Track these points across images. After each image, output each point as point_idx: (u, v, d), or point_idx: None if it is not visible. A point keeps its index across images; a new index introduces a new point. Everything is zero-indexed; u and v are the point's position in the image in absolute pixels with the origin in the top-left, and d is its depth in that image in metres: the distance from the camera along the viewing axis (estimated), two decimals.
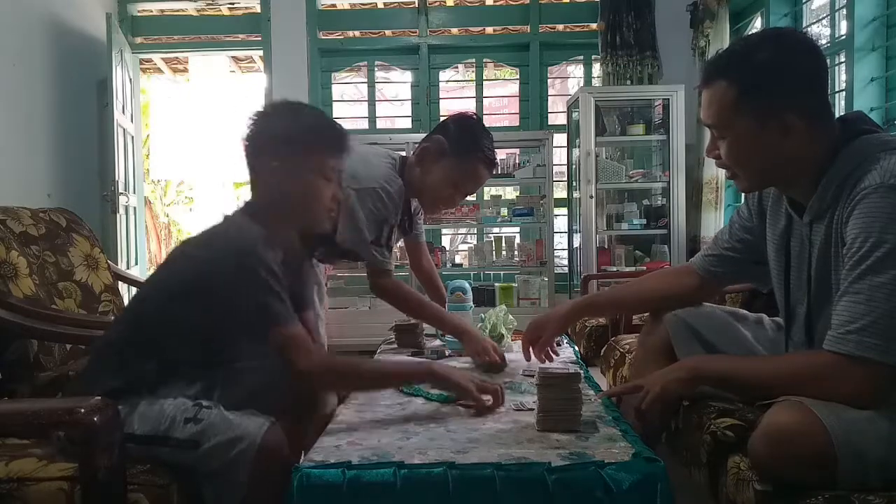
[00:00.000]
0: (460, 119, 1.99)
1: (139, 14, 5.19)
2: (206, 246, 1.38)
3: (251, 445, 1.20)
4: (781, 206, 1.37)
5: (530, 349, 1.69)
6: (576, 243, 4.62)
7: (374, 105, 5.18)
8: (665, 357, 1.49)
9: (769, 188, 1.41)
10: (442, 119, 2.06)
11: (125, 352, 1.32)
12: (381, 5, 5.35)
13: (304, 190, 1.42)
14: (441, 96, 5.18)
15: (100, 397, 1.10)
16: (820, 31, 3.76)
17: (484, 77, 5.25)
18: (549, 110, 5.11)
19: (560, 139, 4.80)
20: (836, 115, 1.27)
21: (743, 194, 1.52)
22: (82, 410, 1.07)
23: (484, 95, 5.21)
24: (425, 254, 2.41)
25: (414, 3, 5.12)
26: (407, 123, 5.25)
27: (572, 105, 4.57)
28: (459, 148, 1.90)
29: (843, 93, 3.31)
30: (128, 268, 4.38)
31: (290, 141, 1.39)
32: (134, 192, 4.72)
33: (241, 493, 1.20)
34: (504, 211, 4.66)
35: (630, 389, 1.39)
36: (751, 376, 1.25)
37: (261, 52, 5.10)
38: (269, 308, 1.28)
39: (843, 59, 3.30)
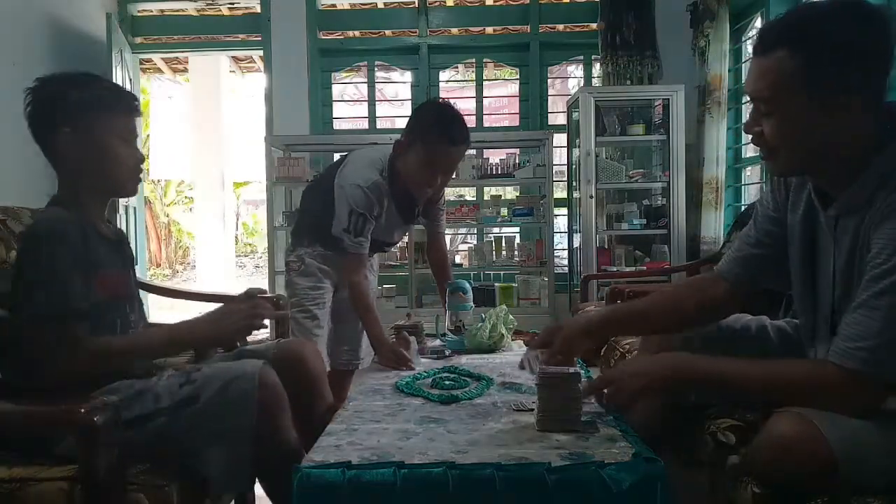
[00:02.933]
0: (423, 106, 2.21)
1: (139, 14, 5.19)
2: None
3: (251, 382, 1.22)
4: (804, 191, 1.27)
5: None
6: (576, 243, 4.62)
7: (374, 105, 5.18)
8: None
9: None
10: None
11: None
12: (381, 5, 5.35)
13: (103, 155, 1.38)
14: (441, 96, 5.17)
15: (101, 398, 1.11)
16: None
17: (484, 77, 5.25)
18: (549, 110, 5.11)
19: (560, 139, 4.80)
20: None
21: (752, 189, 1.44)
22: (82, 410, 1.07)
23: (484, 95, 5.21)
24: (436, 243, 2.60)
25: (414, 3, 5.12)
26: None
27: (572, 105, 4.57)
28: (425, 132, 2.06)
29: None
30: None
31: (75, 108, 1.35)
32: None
33: (248, 433, 1.22)
34: (504, 211, 4.66)
35: (605, 383, 1.30)
36: (741, 381, 1.19)
37: (261, 52, 5.10)
38: (34, 298, 1.24)
39: None
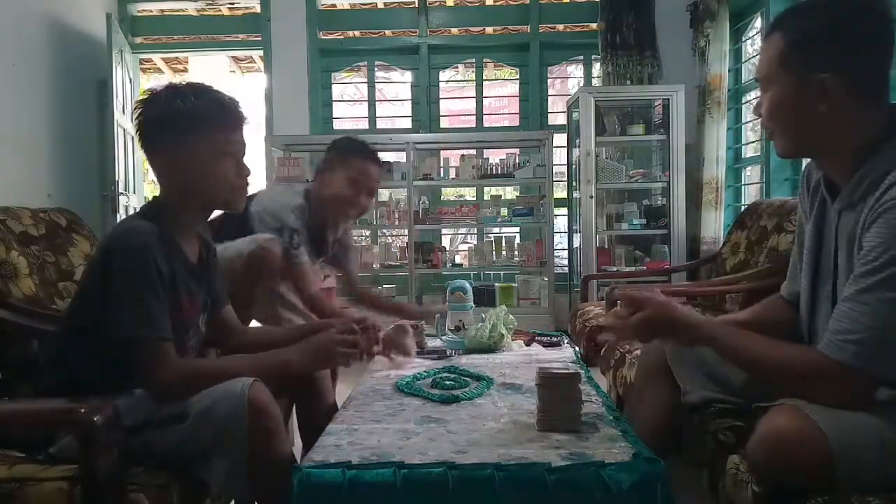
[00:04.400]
0: (339, 138, 2.41)
1: (139, 14, 5.19)
2: (93, 253, 1.42)
3: (240, 402, 1.20)
4: (819, 191, 1.30)
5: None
6: (576, 243, 4.62)
7: (374, 105, 5.18)
8: (663, 380, 1.44)
9: (811, 169, 1.33)
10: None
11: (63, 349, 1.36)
12: (381, 5, 5.35)
13: (207, 171, 1.38)
14: (441, 96, 5.18)
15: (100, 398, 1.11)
16: None
17: (484, 77, 5.25)
18: (549, 110, 5.11)
19: (560, 139, 4.80)
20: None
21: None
22: (82, 410, 1.07)
23: (484, 95, 5.21)
24: (352, 285, 2.63)
25: (414, 3, 5.12)
26: (407, 123, 5.25)
27: (572, 105, 4.57)
28: (343, 154, 2.29)
29: None
30: None
31: (178, 121, 1.35)
32: (134, 192, 4.72)
33: (238, 454, 1.20)
34: (504, 211, 4.66)
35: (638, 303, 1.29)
36: (737, 349, 1.20)
37: (261, 52, 5.10)
38: (119, 317, 1.24)
39: None
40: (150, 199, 1.44)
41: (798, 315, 1.37)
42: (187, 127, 1.35)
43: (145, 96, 1.39)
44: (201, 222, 1.49)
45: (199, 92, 1.39)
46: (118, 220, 1.52)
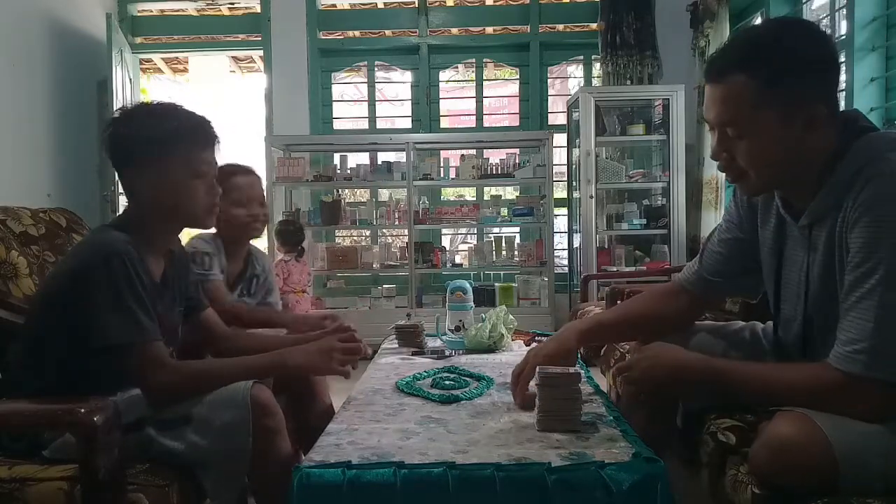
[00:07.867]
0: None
1: (139, 14, 5.20)
2: (65, 260, 1.40)
3: (243, 403, 1.22)
4: (772, 206, 1.30)
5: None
6: (576, 243, 4.62)
7: (374, 105, 5.18)
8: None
9: None
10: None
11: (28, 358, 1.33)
12: (381, 5, 5.35)
13: (177, 192, 1.38)
14: (441, 96, 5.18)
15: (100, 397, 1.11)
16: None
17: (484, 77, 5.25)
18: (549, 110, 5.11)
19: (560, 139, 4.81)
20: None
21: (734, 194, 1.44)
22: (82, 410, 1.07)
23: (484, 95, 5.22)
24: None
25: (414, 3, 5.12)
26: (407, 123, 5.26)
27: (572, 105, 4.57)
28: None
29: (844, 93, 3.31)
30: None
31: (151, 143, 1.35)
32: None
33: (243, 456, 1.21)
34: (504, 211, 4.66)
35: (623, 371, 1.35)
36: (749, 382, 1.20)
37: (261, 52, 5.11)
38: (108, 324, 1.23)
39: (843, 59, 3.30)
40: (120, 212, 1.45)
41: (691, 303, 1.47)
42: (164, 147, 1.35)
43: (118, 115, 1.41)
44: (171, 239, 1.49)
45: (173, 112, 1.41)
46: (90, 233, 1.51)
